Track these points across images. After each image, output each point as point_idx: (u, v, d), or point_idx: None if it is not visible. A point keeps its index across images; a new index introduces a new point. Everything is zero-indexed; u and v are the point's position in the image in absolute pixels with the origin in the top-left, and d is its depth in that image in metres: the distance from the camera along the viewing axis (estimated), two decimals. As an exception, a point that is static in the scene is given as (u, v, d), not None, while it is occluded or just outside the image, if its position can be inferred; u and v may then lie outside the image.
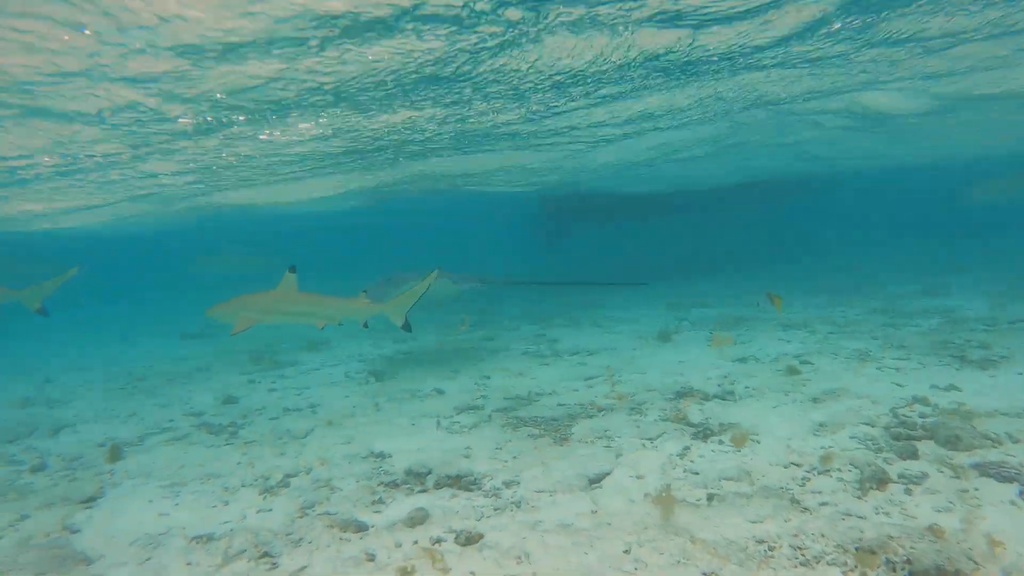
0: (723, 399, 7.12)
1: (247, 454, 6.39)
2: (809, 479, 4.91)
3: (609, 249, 35.85)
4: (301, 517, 4.91)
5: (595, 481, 5.24)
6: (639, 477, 5.22)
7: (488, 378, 8.91)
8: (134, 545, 4.61)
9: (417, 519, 4.66)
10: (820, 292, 14.95)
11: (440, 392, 8.27)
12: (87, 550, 4.60)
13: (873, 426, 5.84)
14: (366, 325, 7.30)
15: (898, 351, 8.42)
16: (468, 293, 10.46)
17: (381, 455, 6.12)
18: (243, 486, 5.60)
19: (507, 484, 5.26)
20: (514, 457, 5.83)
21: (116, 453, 6.52)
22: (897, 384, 7.02)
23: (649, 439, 6.06)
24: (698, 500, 4.70)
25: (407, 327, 7.34)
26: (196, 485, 5.69)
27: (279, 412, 7.93)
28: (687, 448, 5.72)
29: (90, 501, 5.48)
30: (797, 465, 5.17)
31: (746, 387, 7.52)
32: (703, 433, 6.04)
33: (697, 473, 5.18)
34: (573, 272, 27.84)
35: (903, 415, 6.02)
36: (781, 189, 27.21)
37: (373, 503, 5.07)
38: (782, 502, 4.50)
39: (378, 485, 5.41)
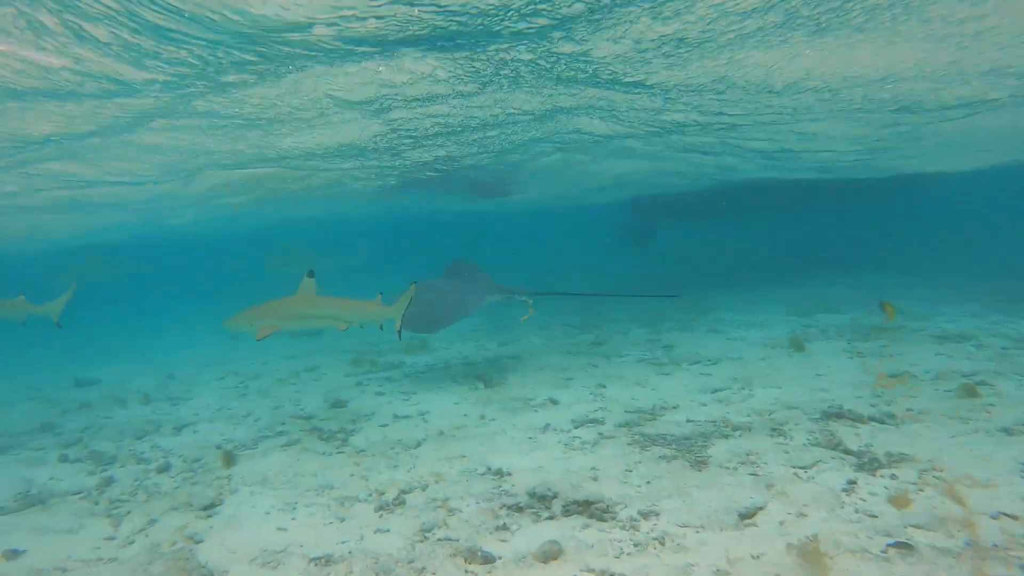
0: (882, 423, 6.17)
1: (360, 465, 6.14)
2: (1036, 536, 3.98)
3: (704, 249, 33.95)
4: (421, 542, 4.53)
5: (746, 516, 4.55)
6: (800, 515, 4.48)
7: (604, 387, 8.31)
8: (254, 563, 4.40)
9: (550, 553, 4.15)
10: (972, 299, 13.23)
11: (554, 402, 7.76)
12: (210, 563, 4.44)
13: (1111, 470, 4.76)
14: (382, 327, 7.76)
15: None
16: (500, 304, 10.26)
17: (499, 472, 5.68)
18: (358, 501, 5.32)
19: (644, 515, 4.66)
20: (647, 482, 5.22)
21: (230, 459, 6.46)
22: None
23: (802, 468, 5.27)
24: (884, 552, 3.90)
25: (400, 334, 7.64)
26: (311, 497, 5.48)
27: (388, 418, 7.70)
28: (852, 482, 4.89)
29: (211, 508, 5.39)
30: (1012, 517, 4.22)
31: (908, 409, 6.50)
32: (869, 465, 5.17)
33: (875, 516, 4.36)
34: (662, 273, 26.42)
35: None
36: (911, 181, 24.47)
37: (497, 529, 4.62)
38: (1012, 572, 3.62)
39: (500, 508, 4.96)
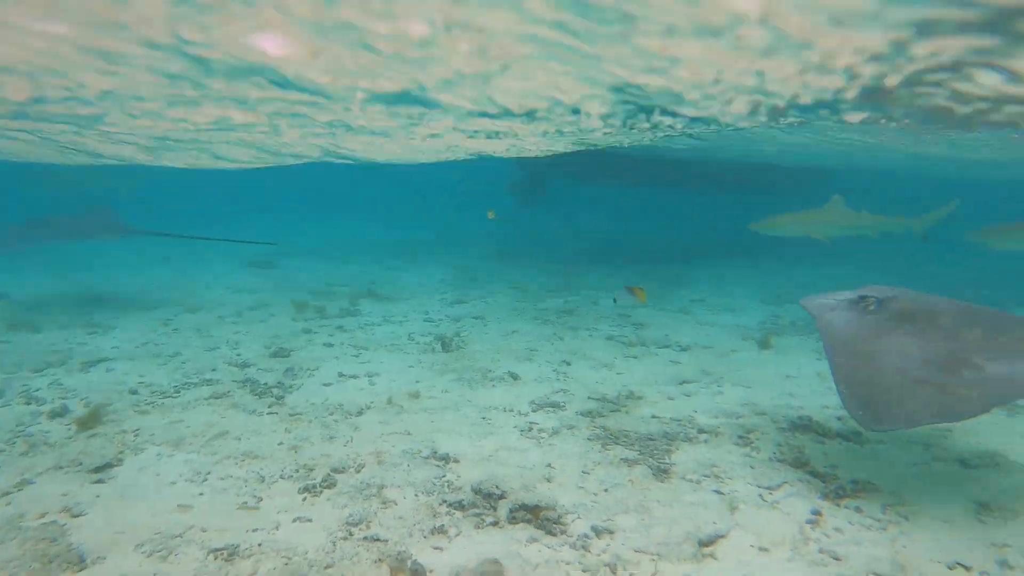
0: (848, 440, 5.79)
1: (291, 432, 5.51)
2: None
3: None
4: (345, 539, 3.97)
5: (706, 544, 4.09)
6: (763, 550, 4.03)
7: (569, 364, 7.80)
8: (141, 550, 3.76)
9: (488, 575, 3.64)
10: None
11: (515, 377, 7.22)
12: (85, 545, 3.78)
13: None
14: None
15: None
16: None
17: (446, 458, 5.13)
18: (281, 477, 4.72)
19: (598, 532, 4.17)
20: (605, 490, 4.74)
21: (93, 418, 5.44)
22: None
23: (768, 489, 4.84)
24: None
25: None
26: (229, 467, 4.84)
27: (333, 376, 7.05)
28: (818, 513, 4.47)
29: (104, 471, 4.69)
30: (964, 567, 3.88)
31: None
32: (835, 492, 4.74)
33: (838, 559, 3.94)
34: (553, 238, 24.80)
35: None
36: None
37: (433, 532, 4.09)
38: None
39: (440, 504, 4.42)
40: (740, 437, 5.79)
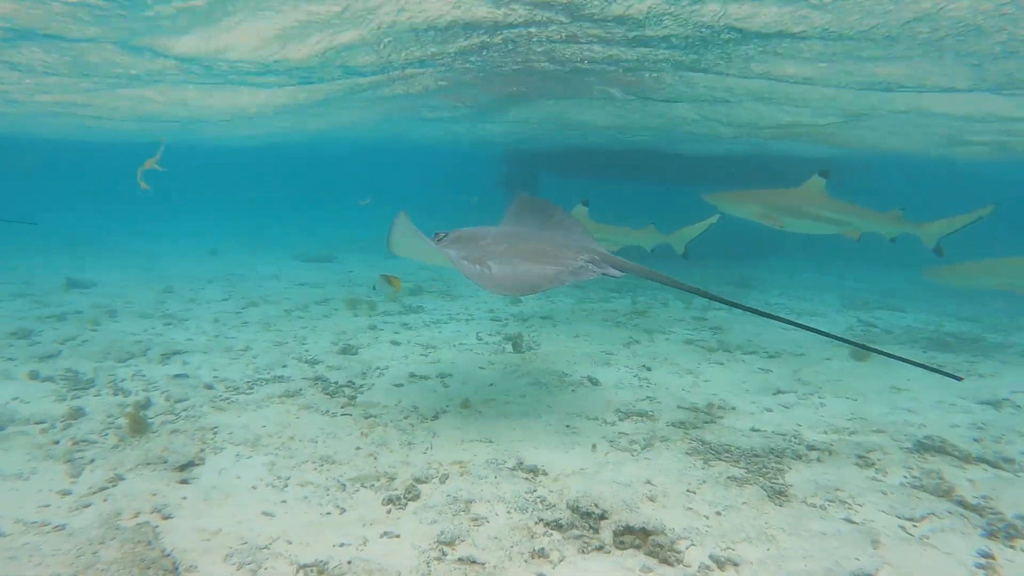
0: (992, 465, 5.13)
1: (368, 436, 5.20)
2: None
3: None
4: (439, 559, 3.60)
5: (848, 581, 3.57)
6: (922, 596, 3.49)
7: (650, 370, 7.30)
8: (230, 561, 3.48)
9: (606, 612, 3.21)
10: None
11: (594, 382, 6.76)
12: (176, 551, 3.54)
13: None
14: None
15: None
16: None
17: (533, 470, 4.72)
18: (363, 486, 4.40)
19: (719, 562, 3.68)
20: (717, 512, 4.24)
21: (140, 425, 5.02)
22: None
23: (911, 521, 4.25)
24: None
25: None
26: (308, 472, 4.56)
27: (403, 376, 6.75)
28: (988, 555, 3.85)
29: (188, 470, 4.48)
30: None
31: (1022, 451, 5.45)
32: (1004, 531, 4.09)
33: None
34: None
35: None
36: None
37: (533, 555, 3.68)
38: None
39: (536, 523, 4.01)
40: (859, 456, 5.19)
